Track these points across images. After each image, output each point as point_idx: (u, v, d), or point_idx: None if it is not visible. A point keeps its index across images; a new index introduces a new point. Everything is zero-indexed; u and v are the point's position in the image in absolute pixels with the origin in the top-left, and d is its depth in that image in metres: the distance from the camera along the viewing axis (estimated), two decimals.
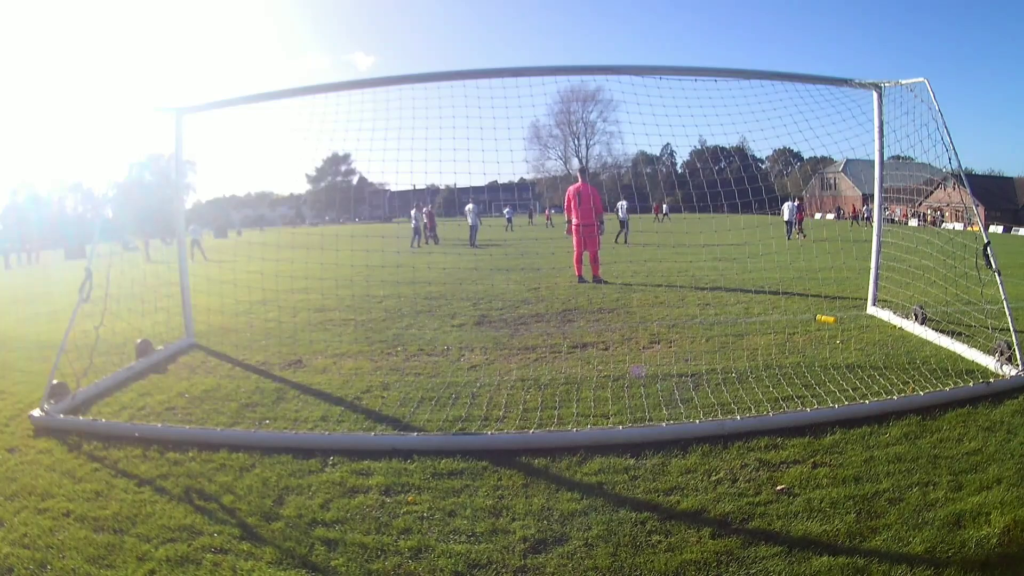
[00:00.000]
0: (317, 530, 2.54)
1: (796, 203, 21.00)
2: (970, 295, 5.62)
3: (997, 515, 2.41)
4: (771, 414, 3.50)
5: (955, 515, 2.44)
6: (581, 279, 9.50)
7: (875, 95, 5.81)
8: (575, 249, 9.73)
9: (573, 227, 9.56)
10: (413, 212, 19.95)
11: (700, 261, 11.20)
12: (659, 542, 2.38)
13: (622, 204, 18.30)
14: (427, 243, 19.78)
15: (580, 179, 9.71)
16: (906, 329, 5.63)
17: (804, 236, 19.74)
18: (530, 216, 34.36)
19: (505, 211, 30.03)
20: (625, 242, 17.28)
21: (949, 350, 4.85)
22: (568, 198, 9.71)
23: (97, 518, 2.64)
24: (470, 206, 19.70)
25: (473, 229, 19.16)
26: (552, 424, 3.56)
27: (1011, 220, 38.79)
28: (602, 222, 9.83)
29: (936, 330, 5.34)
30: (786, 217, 20.20)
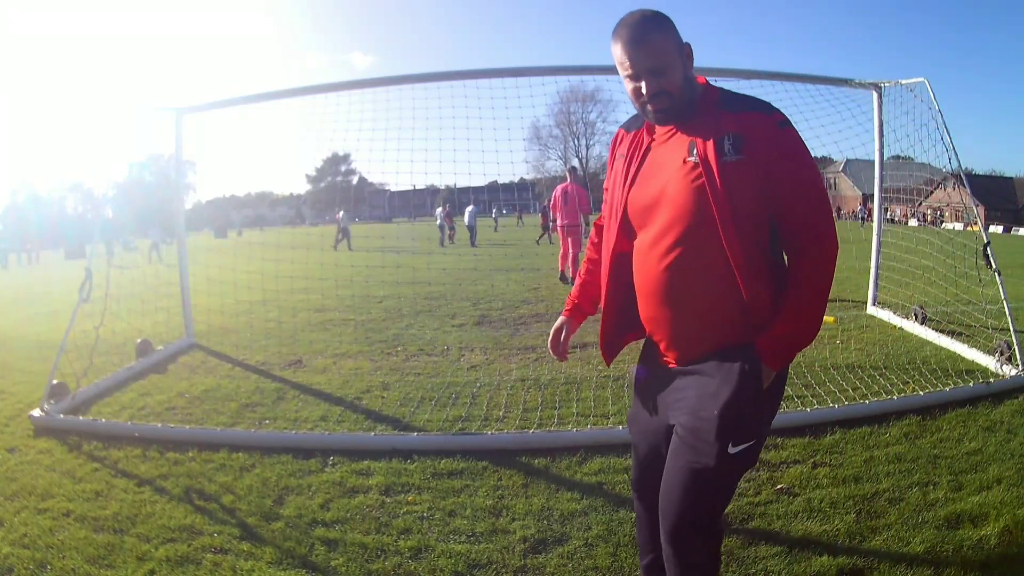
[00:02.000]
0: (317, 530, 2.54)
1: None
2: (970, 295, 5.63)
3: (997, 515, 2.41)
4: None
5: (955, 515, 2.44)
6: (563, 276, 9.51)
7: (875, 95, 5.81)
8: (566, 249, 9.74)
9: (559, 226, 9.59)
10: (438, 211, 20.58)
11: None
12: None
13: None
14: (450, 242, 20.09)
15: (569, 178, 9.73)
16: (906, 329, 5.63)
17: None
18: (520, 217, 34.05)
19: (493, 212, 30.20)
20: (550, 242, 17.68)
21: (949, 350, 4.86)
22: (555, 197, 9.74)
23: (97, 518, 2.64)
24: (470, 207, 19.87)
25: (471, 229, 19.32)
26: (552, 424, 3.56)
27: (1011, 220, 38.81)
28: (588, 223, 9.84)
29: (936, 330, 5.35)
30: None
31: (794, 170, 1.42)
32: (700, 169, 1.39)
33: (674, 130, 1.50)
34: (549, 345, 1.79)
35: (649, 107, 1.46)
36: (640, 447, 1.70)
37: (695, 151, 1.41)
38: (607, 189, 1.67)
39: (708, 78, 1.59)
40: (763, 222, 1.43)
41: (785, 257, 1.50)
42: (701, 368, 1.48)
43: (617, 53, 1.45)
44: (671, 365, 1.55)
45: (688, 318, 1.47)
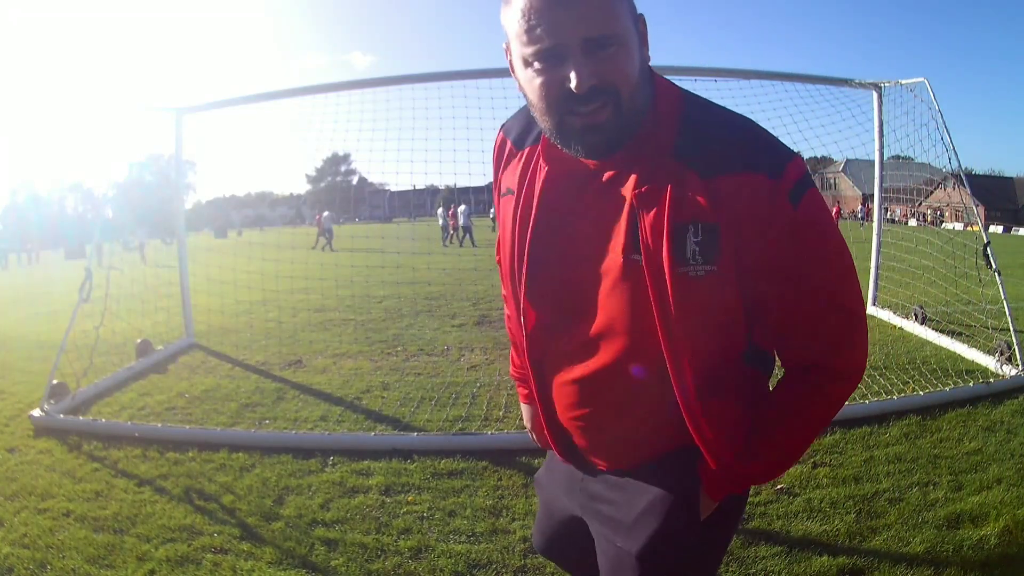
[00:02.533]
0: (317, 530, 2.54)
1: None
2: (970, 295, 5.63)
3: (997, 515, 2.41)
4: None
5: (955, 515, 2.44)
6: None
7: (875, 95, 5.81)
8: None
9: None
10: (439, 211, 21.00)
11: None
12: None
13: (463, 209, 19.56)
14: (451, 242, 20.18)
15: None
16: (906, 329, 5.63)
17: None
18: None
19: (492, 212, 30.27)
20: (466, 243, 18.68)
21: (949, 350, 4.86)
22: None
23: (97, 518, 2.64)
24: (462, 207, 19.91)
25: (466, 230, 19.39)
26: None
27: (1011, 220, 38.83)
28: None
29: (936, 330, 5.35)
30: None
31: (814, 273, 0.87)
32: (647, 276, 0.84)
33: (599, 168, 0.89)
34: (537, 440, 1.33)
35: (575, 119, 0.82)
36: (545, 514, 1.32)
37: (639, 239, 0.84)
38: (501, 223, 1.04)
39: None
40: (740, 336, 0.92)
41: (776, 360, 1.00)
42: (627, 482, 1.02)
43: (519, 12, 0.79)
44: (595, 466, 1.08)
45: (615, 431, 1.00)
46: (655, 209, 0.83)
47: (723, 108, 0.90)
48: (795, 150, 1.07)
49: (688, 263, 0.82)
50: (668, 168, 0.84)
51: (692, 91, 0.91)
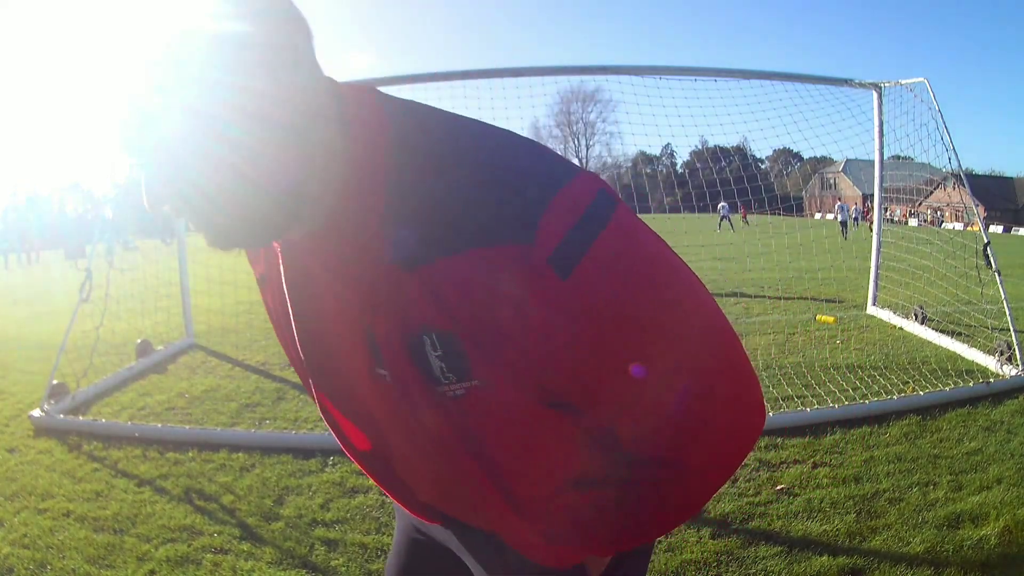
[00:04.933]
0: (317, 530, 2.54)
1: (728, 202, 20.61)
2: (970, 295, 5.63)
3: (997, 515, 2.41)
4: (771, 414, 3.50)
5: (955, 515, 2.44)
6: None
7: (875, 95, 5.81)
8: None
9: None
10: None
11: (700, 261, 11.19)
12: (658, 542, 2.38)
13: None
14: None
15: None
16: (906, 329, 5.63)
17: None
18: None
19: None
20: None
21: (949, 350, 4.86)
22: None
23: (97, 518, 2.64)
24: None
25: None
26: None
27: (1011, 220, 38.84)
28: None
29: (936, 330, 5.35)
30: (722, 214, 20.24)
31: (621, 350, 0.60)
32: (402, 399, 0.63)
33: (298, 248, 0.62)
34: None
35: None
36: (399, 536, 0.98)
37: (380, 351, 0.61)
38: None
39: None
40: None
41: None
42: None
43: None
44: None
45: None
46: (378, 313, 0.58)
47: (458, 140, 0.58)
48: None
49: (441, 383, 0.59)
50: (376, 253, 0.56)
51: (417, 111, 0.60)
